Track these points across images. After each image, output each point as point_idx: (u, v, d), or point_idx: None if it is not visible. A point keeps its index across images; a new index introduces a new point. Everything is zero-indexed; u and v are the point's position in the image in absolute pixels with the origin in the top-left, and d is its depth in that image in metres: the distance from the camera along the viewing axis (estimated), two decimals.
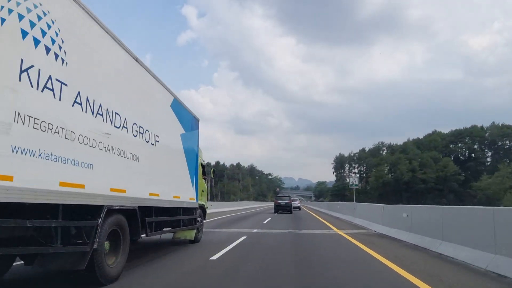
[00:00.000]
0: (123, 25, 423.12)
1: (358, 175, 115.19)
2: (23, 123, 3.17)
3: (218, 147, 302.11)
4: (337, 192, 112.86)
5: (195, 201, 8.76)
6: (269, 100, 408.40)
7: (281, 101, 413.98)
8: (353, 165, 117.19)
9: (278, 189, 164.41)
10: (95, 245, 4.15)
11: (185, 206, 8.02)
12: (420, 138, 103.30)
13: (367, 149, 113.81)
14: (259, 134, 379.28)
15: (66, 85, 3.78)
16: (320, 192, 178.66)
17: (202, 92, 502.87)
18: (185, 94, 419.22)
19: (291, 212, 27.56)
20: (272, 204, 34.96)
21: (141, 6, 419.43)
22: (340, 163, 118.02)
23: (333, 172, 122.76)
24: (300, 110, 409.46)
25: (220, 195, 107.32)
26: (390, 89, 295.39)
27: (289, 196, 31.37)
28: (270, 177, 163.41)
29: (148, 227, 5.93)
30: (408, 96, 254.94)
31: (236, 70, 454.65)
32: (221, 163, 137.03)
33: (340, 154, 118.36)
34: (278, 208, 27.91)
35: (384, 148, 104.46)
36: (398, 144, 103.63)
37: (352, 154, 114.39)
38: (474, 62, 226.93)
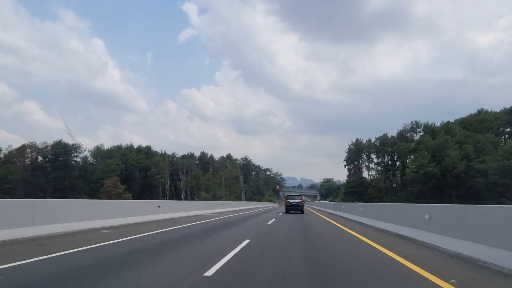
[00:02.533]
0: (124, 24, 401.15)
1: (379, 168, 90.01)
2: None
3: (219, 147, 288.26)
4: (353, 190, 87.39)
5: None
6: (271, 99, 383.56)
7: (284, 100, 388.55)
8: (371, 155, 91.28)
9: (277, 186, 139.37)
10: None
11: None
12: (465, 117, 77.72)
13: (389, 136, 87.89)
14: (261, 134, 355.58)
15: None
16: (328, 191, 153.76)
17: (204, 91, 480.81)
18: (187, 93, 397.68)
19: (302, 212, 27.60)
20: (269, 206, 38.61)
21: (142, 4, 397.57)
22: (356, 153, 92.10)
23: (345, 166, 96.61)
24: (303, 109, 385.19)
25: (184, 192, 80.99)
26: (395, 88, 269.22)
27: (300, 196, 30.51)
28: (268, 173, 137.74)
29: None
30: (412, 94, 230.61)
31: (238, 68, 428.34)
32: (209, 154, 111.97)
33: (357, 139, 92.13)
34: (289, 208, 27.99)
35: (420, 129, 77.55)
36: (437, 125, 77.68)
37: (374, 140, 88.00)
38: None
